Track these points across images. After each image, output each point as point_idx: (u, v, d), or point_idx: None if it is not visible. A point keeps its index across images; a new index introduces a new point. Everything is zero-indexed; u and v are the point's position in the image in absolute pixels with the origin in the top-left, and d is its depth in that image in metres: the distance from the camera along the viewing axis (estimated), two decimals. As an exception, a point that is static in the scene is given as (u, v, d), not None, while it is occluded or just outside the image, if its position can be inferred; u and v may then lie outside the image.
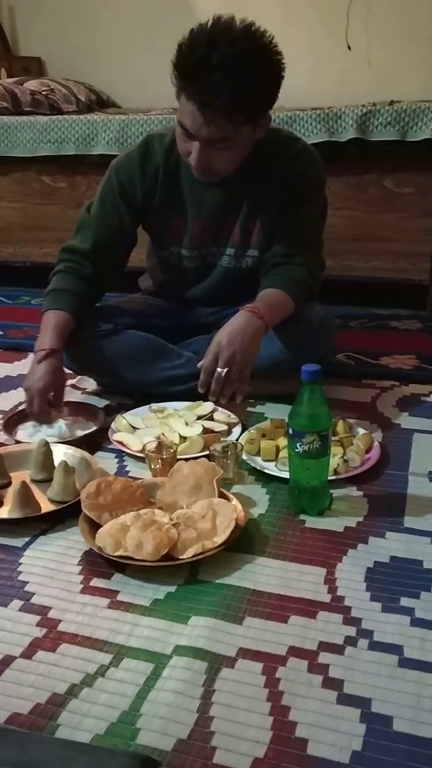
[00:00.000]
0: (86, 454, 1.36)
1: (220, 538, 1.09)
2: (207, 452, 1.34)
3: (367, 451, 1.37)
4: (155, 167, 1.57)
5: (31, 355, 1.98)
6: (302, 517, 1.21)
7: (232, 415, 1.52)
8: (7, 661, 0.91)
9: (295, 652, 0.91)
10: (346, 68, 3.06)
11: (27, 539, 1.16)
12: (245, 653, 0.91)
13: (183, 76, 1.32)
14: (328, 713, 0.82)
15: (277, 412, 1.56)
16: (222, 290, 1.67)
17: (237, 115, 1.33)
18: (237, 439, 1.40)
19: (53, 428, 1.47)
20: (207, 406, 1.52)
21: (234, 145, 1.39)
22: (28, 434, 1.48)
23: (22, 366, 1.94)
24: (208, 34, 1.30)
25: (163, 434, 1.42)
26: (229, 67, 1.27)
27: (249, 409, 1.60)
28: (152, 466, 1.33)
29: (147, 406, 1.58)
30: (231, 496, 1.21)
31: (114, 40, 3.38)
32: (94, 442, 1.47)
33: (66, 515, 1.21)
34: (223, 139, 1.37)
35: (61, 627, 0.96)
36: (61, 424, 1.48)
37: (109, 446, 1.45)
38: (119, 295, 1.86)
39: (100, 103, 3.25)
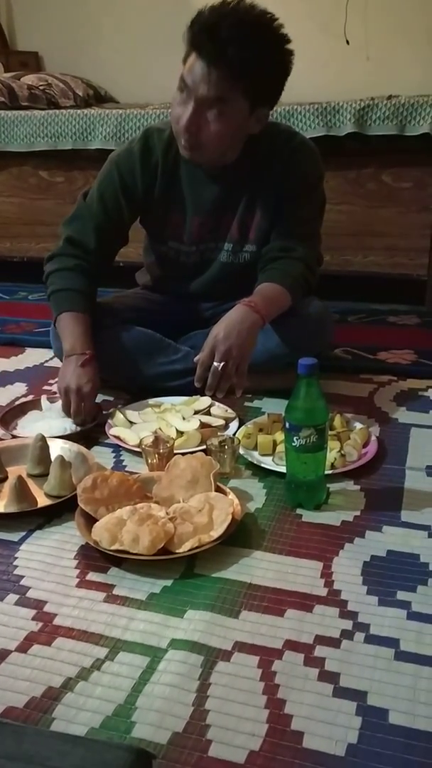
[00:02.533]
0: (83, 449, 1.36)
1: (217, 532, 1.09)
2: (204, 447, 1.34)
3: (365, 445, 1.37)
4: (155, 161, 1.56)
5: (28, 350, 1.99)
6: (299, 511, 1.20)
7: (230, 410, 1.52)
8: (3, 654, 0.90)
9: (291, 645, 0.91)
10: (345, 63, 3.06)
11: (23, 533, 1.16)
12: (241, 647, 0.91)
13: (197, 32, 1.33)
14: (324, 706, 0.82)
15: (274, 406, 1.55)
16: (220, 285, 1.67)
17: (239, 79, 1.33)
18: (234, 434, 1.40)
19: (59, 427, 1.46)
20: (204, 401, 1.52)
21: (226, 115, 1.37)
22: (32, 427, 1.48)
23: (18, 361, 1.93)
24: (231, 6, 1.33)
25: (160, 429, 1.42)
26: (245, 34, 1.30)
27: (246, 403, 1.60)
28: (149, 461, 1.32)
29: (144, 401, 1.58)
30: (228, 490, 1.21)
31: (112, 35, 3.37)
32: (91, 437, 1.47)
33: (62, 510, 1.20)
34: (218, 99, 1.35)
35: (56, 621, 0.96)
36: (68, 424, 1.47)
37: (106, 441, 1.45)
38: (117, 290, 1.85)
39: (97, 97, 3.24)
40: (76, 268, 1.57)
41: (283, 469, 1.25)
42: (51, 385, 1.73)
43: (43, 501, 1.22)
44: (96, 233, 1.58)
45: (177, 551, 1.06)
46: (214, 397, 1.43)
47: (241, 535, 1.12)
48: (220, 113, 1.37)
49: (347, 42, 3.02)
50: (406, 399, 1.64)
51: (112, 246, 1.64)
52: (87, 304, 1.56)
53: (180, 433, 1.41)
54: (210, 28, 1.31)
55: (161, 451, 1.31)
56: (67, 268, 1.57)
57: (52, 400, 1.55)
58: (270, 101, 1.44)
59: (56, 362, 1.54)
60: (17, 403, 1.61)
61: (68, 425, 1.47)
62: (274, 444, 1.36)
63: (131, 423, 1.48)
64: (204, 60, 1.32)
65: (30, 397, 1.65)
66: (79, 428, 1.46)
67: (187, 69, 1.36)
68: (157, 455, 1.31)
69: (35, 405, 1.56)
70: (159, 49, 3.16)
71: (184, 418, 1.46)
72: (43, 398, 1.57)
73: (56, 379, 1.55)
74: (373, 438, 1.40)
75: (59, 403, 1.51)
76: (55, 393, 1.56)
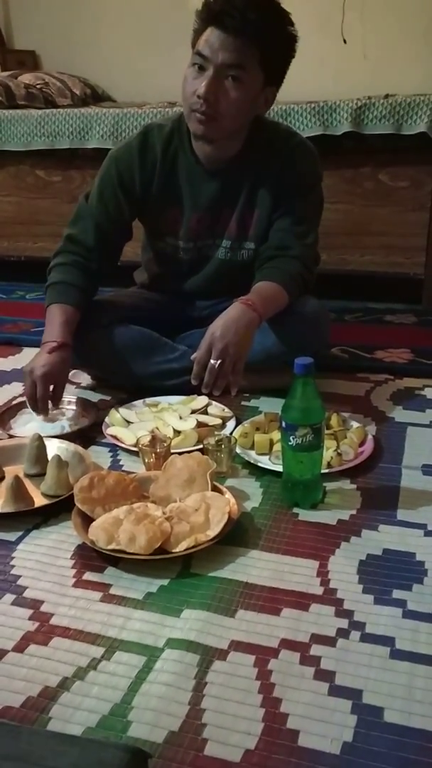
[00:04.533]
0: (80, 448, 1.36)
1: (213, 531, 1.09)
2: (201, 446, 1.34)
3: (361, 444, 1.37)
4: (153, 157, 1.56)
5: (25, 350, 1.99)
6: (295, 510, 1.21)
7: (226, 409, 1.52)
8: (0, 654, 0.91)
9: (288, 644, 0.91)
10: (342, 62, 3.05)
11: (20, 533, 1.16)
12: (237, 646, 0.91)
13: (214, 7, 1.36)
14: (320, 705, 0.82)
15: (271, 405, 1.55)
16: (217, 282, 1.67)
17: (257, 47, 1.36)
18: (231, 433, 1.40)
19: (56, 427, 1.46)
20: (201, 400, 1.52)
21: (244, 83, 1.38)
22: (27, 427, 1.48)
23: (15, 361, 1.93)
24: None
25: (157, 428, 1.42)
26: (260, 6, 1.35)
27: (243, 402, 1.60)
28: (146, 460, 1.33)
29: (141, 400, 1.58)
30: (224, 489, 1.21)
31: (109, 33, 3.36)
32: (88, 436, 1.47)
33: (59, 509, 1.20)
34: (237, 66, 1.36)
35: (53, 620, 0.96)
36: (64, 423, 1.47)
37: (103, 440, 1.45)
38: (114, 289, 1.85)
39: (95, 96, 3.24)
40: (73, 263, 1.57)
41: (279, 468, 1.25)
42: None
43: (40, 501, 1.23)
44: (96, 231, 1.58)
45: (173, 551, 1.06)
46: (210, 395, 1.43)
47: (237, 535, 1.13)
48: (238, 81, 1.38)
49: (344, 41, 3.02)
50: (402, 398, 1.64)
51: (115, 243, 1.64)
52: (77, 297, 1.55)
53: (177, 433, 1.41)
54: (227, 1, 1.34)
55: (158, 450, 1.31)
56: (64, 263, 1.58)
57: None
58: (278, 80, 1.46)
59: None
60: (14, 402, 1.61)
61: (65, 425, 1.47)
62: (271, 443, 1.36)
63: (128, 422, 1.48)
64: (223, 30, 1.35)
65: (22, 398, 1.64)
66: (76, 428, 1.47)
67: (204, 42, 1.37)
68: (154, 454, 1.31)
69: (26, 405, 1.56)
70: (157, 48, 3.16)
71: (181, 418, 1.46)
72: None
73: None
74: (370, 437, 1.40)
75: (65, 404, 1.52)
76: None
